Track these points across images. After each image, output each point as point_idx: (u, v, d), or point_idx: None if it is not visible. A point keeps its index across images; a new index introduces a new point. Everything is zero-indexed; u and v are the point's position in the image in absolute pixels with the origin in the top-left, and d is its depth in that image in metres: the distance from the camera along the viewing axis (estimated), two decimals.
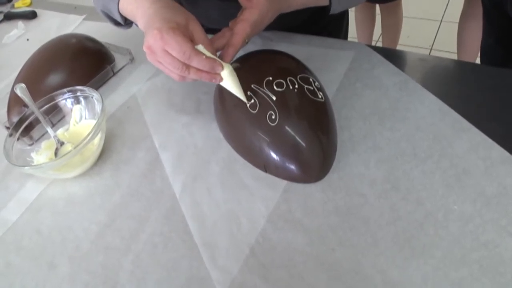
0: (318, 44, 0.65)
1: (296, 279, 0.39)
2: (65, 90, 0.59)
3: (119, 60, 0.71)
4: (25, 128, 0.58)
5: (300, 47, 0.64)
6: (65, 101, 0.60)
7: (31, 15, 0.99)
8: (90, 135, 0.50)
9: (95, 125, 0.51)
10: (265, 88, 0.47)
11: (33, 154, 0.56)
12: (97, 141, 0.53)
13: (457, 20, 1.43)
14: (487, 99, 0.51)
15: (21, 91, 0.56)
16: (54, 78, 0.64)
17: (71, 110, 0.59)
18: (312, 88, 0.49)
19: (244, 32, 0.48)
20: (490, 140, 0.46)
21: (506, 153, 0.44)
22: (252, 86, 0.48)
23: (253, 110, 0.47)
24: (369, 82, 0.57)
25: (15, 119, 0.62)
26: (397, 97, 0.54)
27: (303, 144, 0.46)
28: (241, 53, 0.55)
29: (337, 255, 0.40)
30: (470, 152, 0.45)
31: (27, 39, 0.90)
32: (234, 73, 0.47)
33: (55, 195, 0.53)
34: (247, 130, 0.48)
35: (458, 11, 1.42)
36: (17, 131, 0.56)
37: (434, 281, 0.36)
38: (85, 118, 0.60)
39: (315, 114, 0.48)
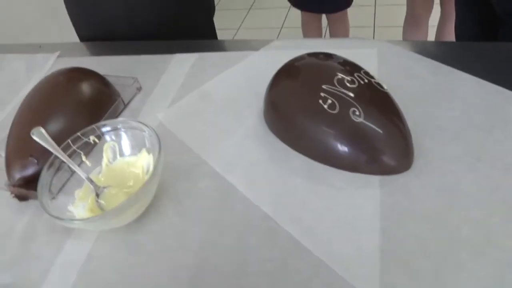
0: (339, 46, 0.65)
1: (441, 266, 0.38)
2: (93, 126, 0.50)
3: (124, 91, 0.64)
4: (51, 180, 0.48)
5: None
6: (91, 139, 0.51)
7: None
8: (152, 178, 0.43)
9: (155, 165, 0.44)
10: (338, 86, 0.47)
11: (70, 208, 0.47)
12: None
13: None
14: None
15: (39, 136, 0.47)
16: (60, 122, 0.55)
17: (103, 149, 0.51)
18: (376, 81, 0.49)
19: None
20: None
21: None
22: (323, 86, 0.47)
23: (333, 110, 0.46)
24: (404, 72, 0.59)
25: (18, 175, 0.52)
26: (436, 81, 0.57)
27: (390, 134, 0.46)
28: (288, 57, 0.54)
29: (465, 232, 0.40)
30: None
31: None
32: None
33: (109, 250, 0.45)
34: (328, 133, 0.46)
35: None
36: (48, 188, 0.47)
37: None
38: (119, 156, 0.52)
39: (389, 105, 0.48)
